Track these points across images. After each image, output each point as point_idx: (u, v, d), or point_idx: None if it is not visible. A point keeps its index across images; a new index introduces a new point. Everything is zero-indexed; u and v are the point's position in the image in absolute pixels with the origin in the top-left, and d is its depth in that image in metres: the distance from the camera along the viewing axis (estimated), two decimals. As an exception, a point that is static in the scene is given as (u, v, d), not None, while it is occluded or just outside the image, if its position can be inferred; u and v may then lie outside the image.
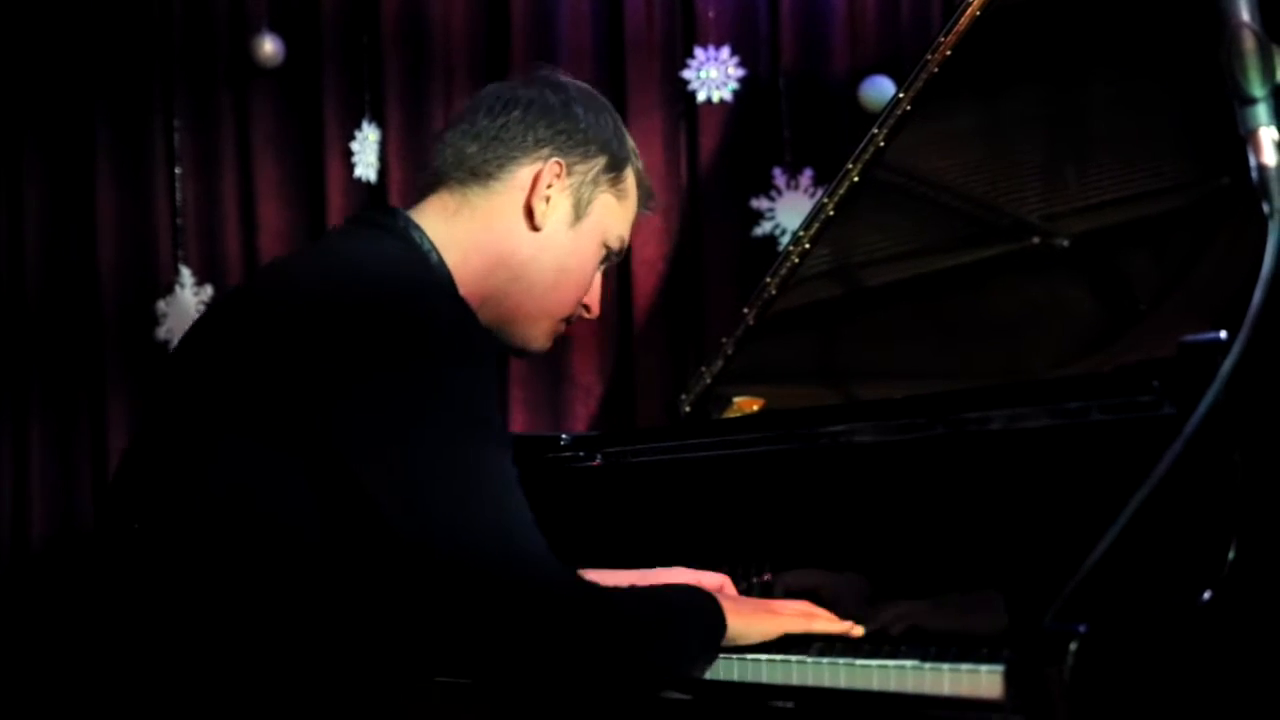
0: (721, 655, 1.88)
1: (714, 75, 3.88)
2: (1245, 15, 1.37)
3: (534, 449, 2.60)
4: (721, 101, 3.89)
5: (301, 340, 1.75)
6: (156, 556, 1.78)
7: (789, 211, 3.82)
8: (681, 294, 3.90)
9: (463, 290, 1.92)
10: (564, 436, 2.59)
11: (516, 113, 2.00)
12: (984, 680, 1.57)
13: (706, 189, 3.91)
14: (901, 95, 2.41)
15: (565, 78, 2.10)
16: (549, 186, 1.99)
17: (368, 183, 3.92)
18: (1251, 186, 1.37)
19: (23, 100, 4.06)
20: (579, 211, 2.02)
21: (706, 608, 1.85)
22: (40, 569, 3.99)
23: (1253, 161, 1.34)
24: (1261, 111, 1.35)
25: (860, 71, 3.84)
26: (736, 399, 2.67)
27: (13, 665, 3.59)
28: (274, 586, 1.75)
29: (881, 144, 2.44)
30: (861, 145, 2.47)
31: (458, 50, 3.96)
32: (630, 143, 2.09)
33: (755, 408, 2.62)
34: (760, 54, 3.91)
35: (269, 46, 3.95)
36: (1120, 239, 2.50)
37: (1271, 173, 1.33)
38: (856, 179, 2.49)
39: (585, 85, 2.11)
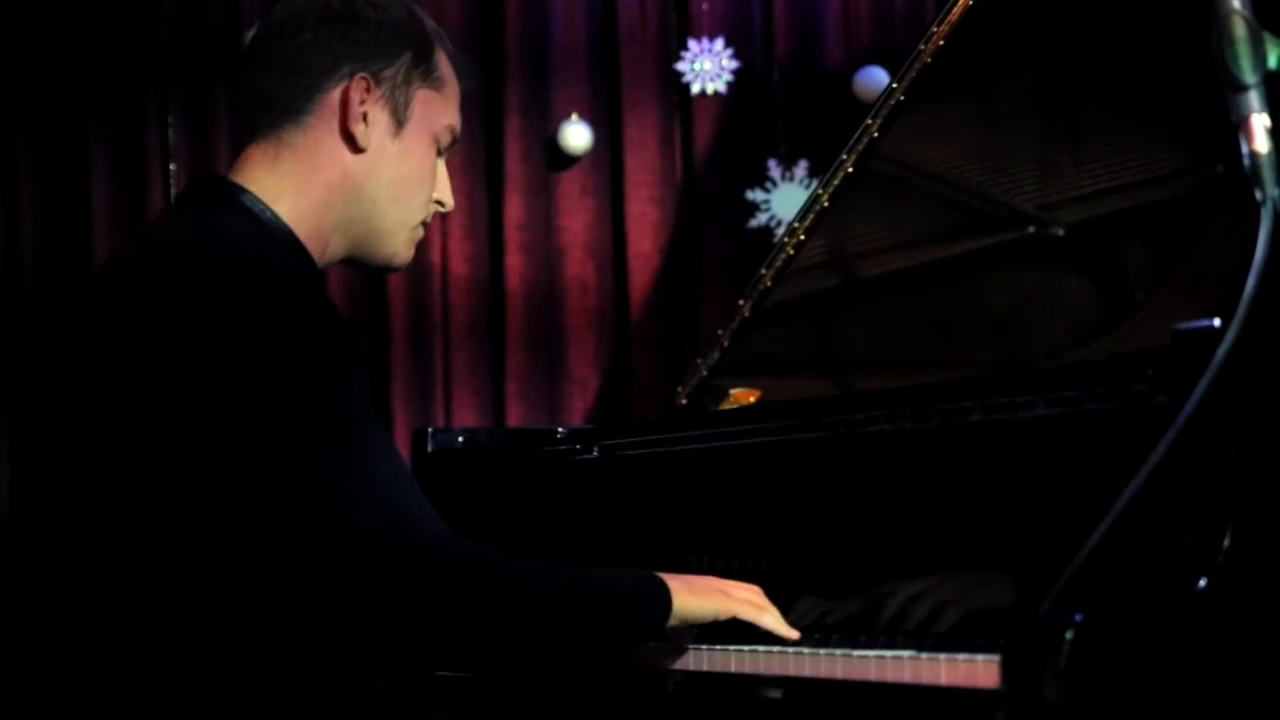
0: (711, 648, 1.88)
1: (708, 67, 3.88)
2: (1236, 2, 1.37)
3: (530, 443, 2.60)
4: (716, 93, 3.89)
5: (158, 351, 1.71)
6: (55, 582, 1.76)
7: (784, 203, 3.83)
8: (677, 286, 3.90)
9: (305, 233, 1.89)
10: (560, 430, 2.59)
11: (307, 35, 1.90)
12: (980, 669, 1.58)
13: (701, 181, 3.92)
14: (895, 85, 2.40)
15: None
16: (361, 104, 1.90)
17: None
18: (1245, 175, 1.37)
19: (17, 97, 4.05)
20: (400, 118, 1.94)
21: (647, 583, 1.84)
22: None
23: (1244, 149, 1.34)
24: (1253, 98, 1.35)
25: (854, 62, 3.84)
26: (733, 391, 2.67)
27: None
28: (181, 598, 1.71)
29: (875, 134, 2.44)
30: (855, 136, 2.46)
31: (451, 39, 3.94)
32: (430, 24, 2.00)
33: (752, 399, 2.62)
34: (754, 46, 3.91)
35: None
36: (1115, 228, 2.49)
37: (1263, 160, 1.33)
38: (851, 170, 2.48)
39: None
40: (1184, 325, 1.60)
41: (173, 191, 4.03)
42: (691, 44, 3.88)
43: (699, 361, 2.76)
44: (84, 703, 1.73)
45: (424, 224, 2.01)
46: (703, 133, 3.92)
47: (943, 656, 1.63)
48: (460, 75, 2.03)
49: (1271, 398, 1.58)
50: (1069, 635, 1.40)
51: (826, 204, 2.53)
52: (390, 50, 1.93)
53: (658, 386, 3.75)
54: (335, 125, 1.90)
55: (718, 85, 3.88)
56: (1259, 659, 1.52)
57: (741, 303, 2.67)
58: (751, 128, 3.91)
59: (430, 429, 2.63)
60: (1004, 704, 1.39)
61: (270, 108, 1.91)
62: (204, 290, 1.72)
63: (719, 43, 3.88)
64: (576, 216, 3.95)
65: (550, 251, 3.94)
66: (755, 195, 3.88)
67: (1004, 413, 1.84)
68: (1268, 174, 1.33)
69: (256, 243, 1.85)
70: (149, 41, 4.05)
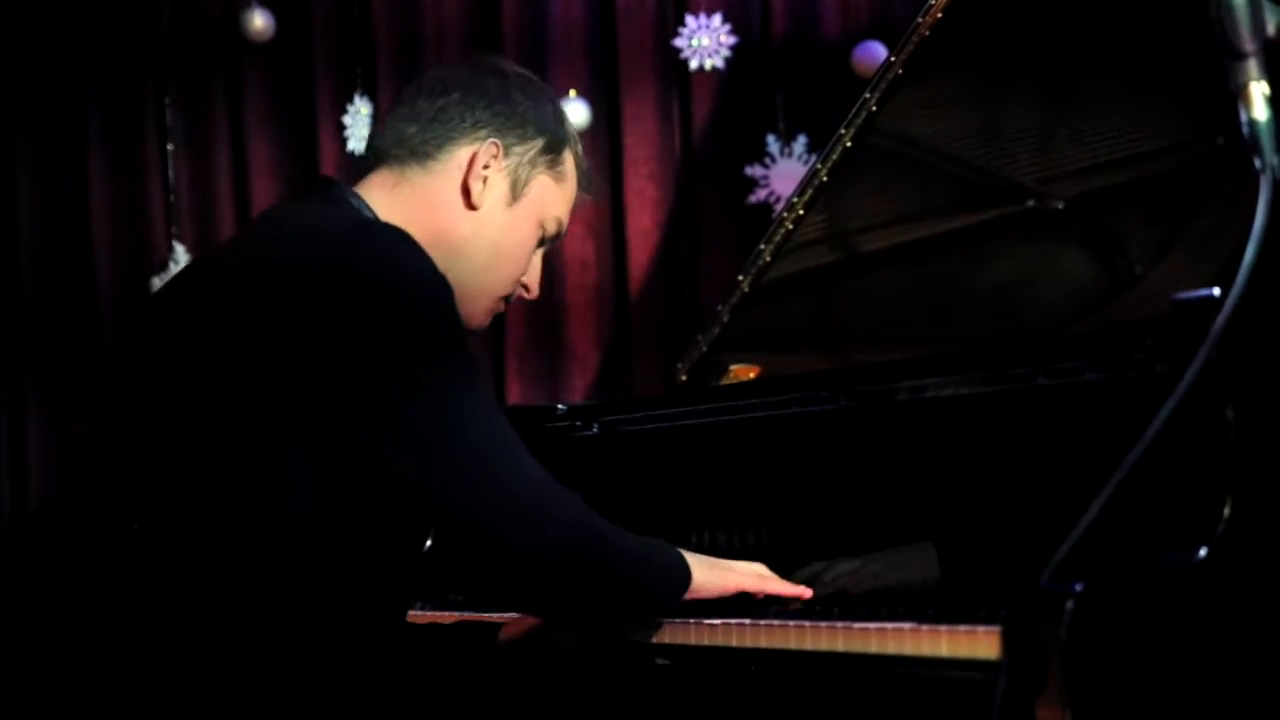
0: (712, 622, 1.89)
1: (706, 43, 3.87)
2: (1234, -30, 1.37)
3: (531, 419, 2.60)
4: (714, 69, 3.88)
5: (281, 313, 1.77)
6: (152, 545, 1.79)
7: (783, 178, 3.82)
8: (676, 263, 3.90)
9: None
10: (561, 406, 2.59)
11: (456, 95, 2.03)
12: (982, 640, 1.58)
13: (700, 157, 3.91)
14: (893, 59, 2.40)
15: (507, 63, 2.15)
16: (486, 166, 2.02)
17: (360, 156, 3.91)
18: (1244, 143, 1.37)
19: (13, 82, 4.05)
20: (516, 192, 2.05)
21: (675, 556, 1.92)
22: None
23: (1243, 116, 1.34)
24: (1252, 66, 1.34)
25: (852, 37, 3.84)
26: (733, 366, 2.67)
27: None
28: (274, 562, 1.77)
29: (874, 109, 2.43)
30: (854, 110, 2.46)
31: (449, 20, 3.95)
32: (570, 127, 2.13)
33: (752, 375, 2.62)
34: (752, 21, 3.90)
35: (259, 21, 3.94)
36: (1115, 200, 2.49)
37: (1262, 127, 1.33)
38: (849, 144, 2.48)
39: (526, 71, 2.14)
40: (1183, 295, 1.61)
41: (171, 173, 4.03)
42: (689, 20, 3.88)
43: (699, 337, 2.76)
44: (204, 684, 1.76)
45: (506, 300, 2.11)
46: (701, 109, 3.91)
47: (944, 627, 1.63)
48: (581, 179, 2.15)
49: (1271, 366, 1.59)
50: (1069, 605, 1.40)
51: (825, 179, 2.52)
52: (526, 130, 2.05)
53: (658, 362, 3.75)
54: (458, 179, 2.02)
55: (716, 61, 3.87)
56: (1258, 628, 1.52)
57: (741, 278, 2.67)
58: (750, 103, 3.90)
59: (431, 407, 2.63)
60: (1004, 673, 1.40)
61: (402, 145, 2.03)
62: (325, 261, 1.79)
63: (717, 18, 3.87)
64: (575, 194, 3.95)
65: (549, 228, 3.94)
66: (754, 171, 3.87)
67: (1005, 383, 1.84)
68: (1267, 141, 1.33)
69: (358, 219, 1.93)
70: (146, 26, 4.04)
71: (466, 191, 2.01)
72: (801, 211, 2.57)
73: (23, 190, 4.06)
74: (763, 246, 2.63)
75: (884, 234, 2.70)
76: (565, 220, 2.13)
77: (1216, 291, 1.56)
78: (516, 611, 2.08)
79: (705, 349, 2.73)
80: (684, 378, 2.78)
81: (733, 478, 2.18)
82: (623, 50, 3.92)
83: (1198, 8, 1.46)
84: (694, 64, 3.88)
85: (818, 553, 2.03)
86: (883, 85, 2.42)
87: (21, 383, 4.07)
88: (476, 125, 2.02)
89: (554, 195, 2.09)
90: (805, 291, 2.75)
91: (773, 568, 2.00)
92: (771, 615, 1.88)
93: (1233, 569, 1.52)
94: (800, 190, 2.57)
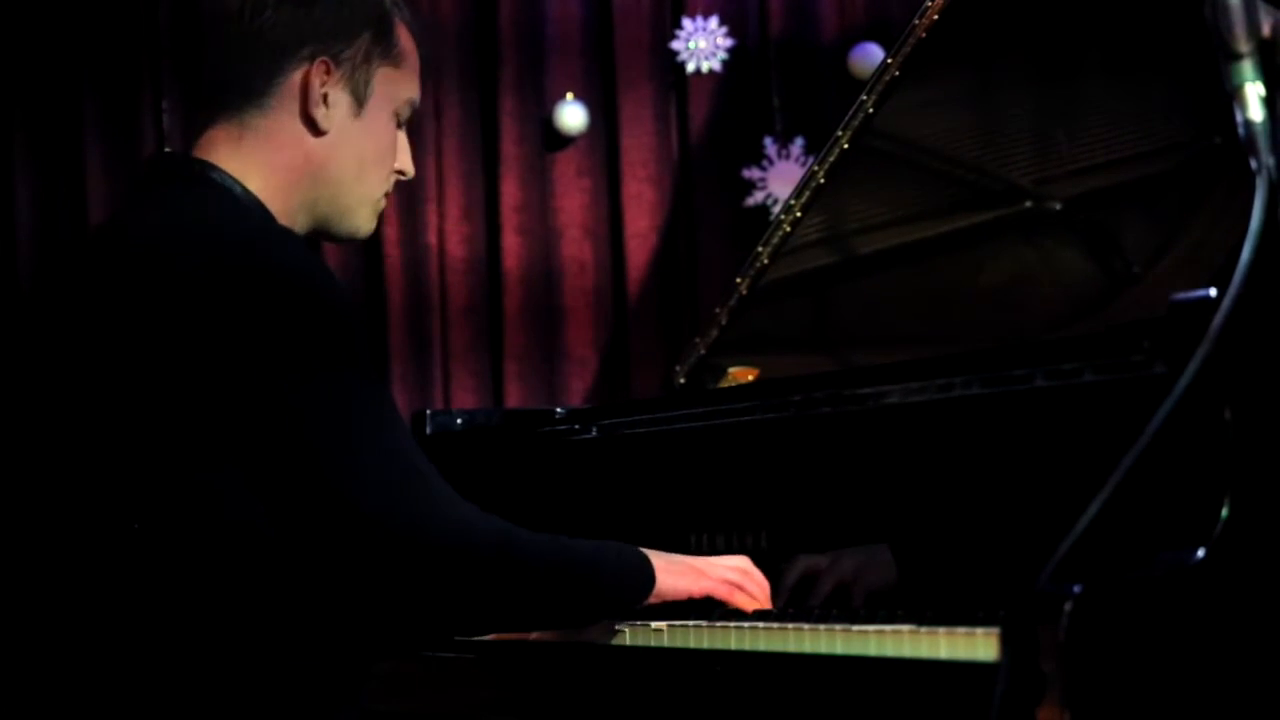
0: (711, 625, 1.89)
1: (703, 46, 3.87)
2: (1229, -30, 1.37)
3: (529, 423, 2.60)
4: (711, 72, 3.88)
5: (181, 324, 1.72)
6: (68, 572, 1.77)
7: (780, 181, 3.82)
8: (674, 265, 3.90)
9: (274, 210, 1.90)
10: (559, 410, 2.59)
11: (268, 14, 1.89)
12: (980, 642, 1.58)
13: (697, 160, 3.91)
14: (890, 61, 2.40)
15: None
16: (321, 87, 1.90)
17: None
18: (1240, 144, 1.37)
19: (11, 83, 4.04)
20: (360, 98, 1.94)
21: (634, 559, 1.89)
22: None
23: (1239, 117, 1.34)
24: (1247, 67, 1.34)
25: (849, 39, 3.84)
26: (731, 369, 2.67)
27: None
28: (221, 569, 1.73)
29: (870, 110, 2.43)
30: (850, 112, 2.46)
31: (445, 23, 3.94)
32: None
33: (750, 377, 2.62)
34: (749, 23, 3.90)
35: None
36: (1113, 201, 2.49)
37: (1258, 128, 1.33)
38: (846, 146, 2.48)
39: None
40: (1180, 296, 1.61)
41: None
42: (686, 22, 3.88)
43: (697, 340, 2.76)
44: (99, 686, 1.74)
45: (386, 194, 2.03)
46: (698, 111, 3.91)
47: (942, 630, 1.63)
48: (419, 43, 2.02)
49: (1268, 366, 1.58)
50: (1068, 606, 1.40)
51: (822, 181, 2.52)
52: (350, 29, 1.92)
53: (656, 365, 3.75)
54: (296, 109, 1.91)
55: (713, 64, 3.87)
56: (1257, 628, 1.52)
57: (739, 281, 2.67)
58: (747, 106, 3.90)
59: (429, 411, 2.64)
60: (1003, 675, 1.40)
61: (231, 89, 1.91)
62: (219, 265, 1.74)
63: (713, 21, 3.87)
64: (573, 197, 3.95)
65: (547, 232, 3.94)
66: (751, 173, 3.87)
67: (1003, 385, 1.84)
68: (1262, 142, 1.32)
69: (241, 216, 1.86)
70: (142, 24, 4.03)
71: (310, 120, 1.90)
72: (799, 214, 2.57)
73: (20, 192, 4.05)
74: (760, 249, 2.63)
75: (882, 236, 2.70)
76: (417, 96, 2.02)
77: (1213, 292, 1.56)
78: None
79: (703, 352, 2.73)
80: (682, 380, 2.78)
81: (731, 480, 2.18)
82: (620, 53, 3.92)
83: (1193, 8, 1.45)
84: (691, 66, 3.88)
85: (818, 555, 2.03)
86: (879, 87, 2.42)
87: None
88: (299, 44, 1.89)
89: (398, 81, 1.98)
90: (803, 294, 2.75)
91: (770, 570, 2.00)
92: (772, 617, 1.88)
93: (1231, 569, 1.51)
94: (797, 192, 2.57)
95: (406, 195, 3.88)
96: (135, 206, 1.92)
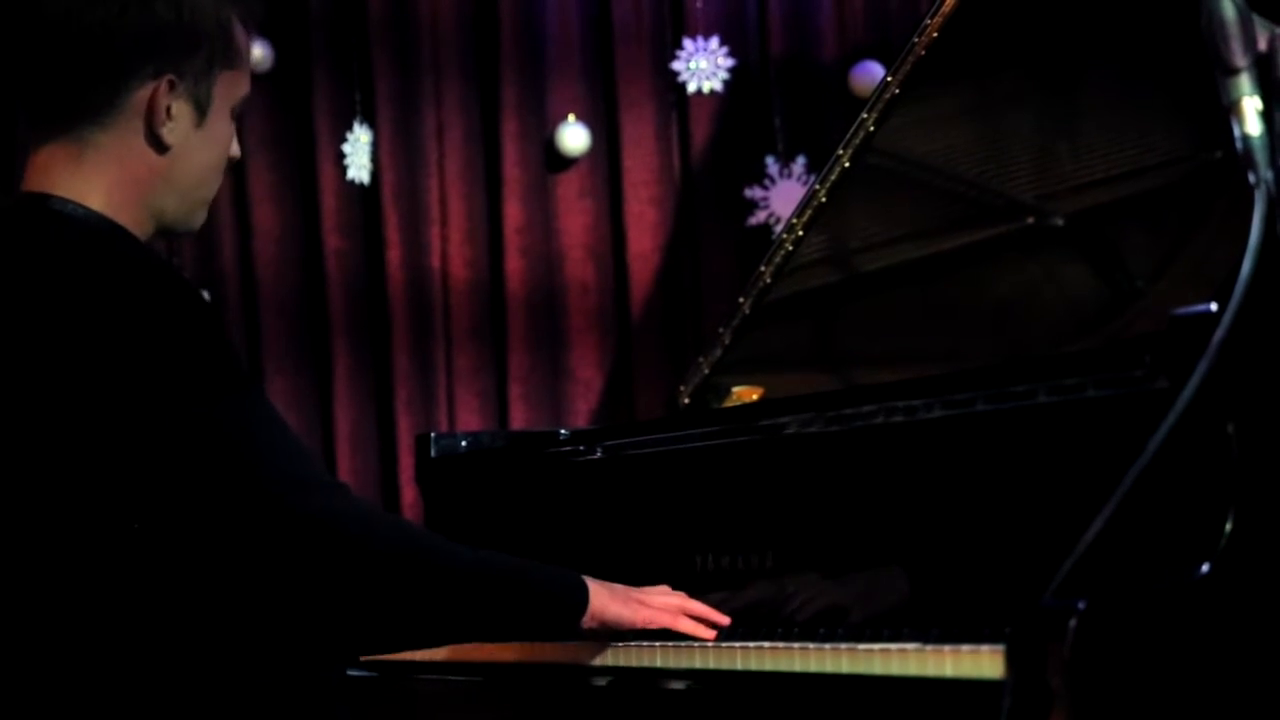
0: (717, 645, 1.89)
1: (704, 66, 3.88)
2: (1225, -15, 1.37)
3: (534, 445, 2.60)
4: (712, 92, 3.89)
5: (47, 360, 1.73)
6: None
7: (783, 200, 3.82)
8: (677, 285, 3.90)
9: (120, 223, 1.87)
10: (563, 431, 2.59)
11: (98, 30, 1.83)
12: (986, 660, 1.58)
13: (700, 180, 3.91)
14: (890, 79, 2.40)
15: None
16: (167, 106, 1.86)
17: (361, 185, 3.91)
18: (1238, 158, 1.37)
19: (10, 107, 4.03)
20: (204, 109, 1.89)
21: (564, 580, 1.90)
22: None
23: (1236, 132, 1.34)
24: (1244, 82, 1.35)
25: (849, 57, 3.84)
26: (735, 389, 2.67)
27: None
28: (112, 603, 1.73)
29: (871, 128, 2.44)
30: (852, 130, 2.46)
31: (446, 45, 3.95)
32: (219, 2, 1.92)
33: (754, 397, 2.62)
34: (749, 43, 3.91)
35: (258, 53, 3.94)
36: (1115, 216, 2.49)
37: (1255, 142, 1.33)
38: (848, 164, 2.48)
39: None
40: (1181, 310, 1.61)
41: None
42: (686, 43, 3.88)
43: (700, 360, 2.76)
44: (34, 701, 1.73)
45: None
46: (700, 131, 3.91)
47: (948, 648, 1.63)
48: (249, 33, 1.97)
49: (1270, 380, 1.58)
50: (1073, 623, 1.40)
51: (824, 199, 2.53)
52: (193, 43, 1.87)
53: (660, 386, 3.75)
54: (140, 126, 1.86)
55: (714, 83, 3.88)
56: (1262, 644, 1.52)
57: (742, 300, 2.68)
58: (748, 125, 3.91)
59: (433, 434, 2.63)
60: (1009, 693, 1.39)
61: (69, 108, 1.87)
62: (69, 312, 1.73)
63: (714, 41, 3.88)
64: (575, 218, 3.95)
65: (550, 253, 3.94)
66: (754, 193, 3.88)
67: (1005, 402, 1.84)
68: (1260, 156, 1.33)
69: (82, 242, 1.83)
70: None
71: (155, 136, 1.86)
72: (801, 232, 2.57)
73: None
74: (763, 268, 2.63)
75: (884, 253, 2.70)
76: (249, 87, 1.97)
77: (1214, 306, 1.56)
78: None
79: (707, 372, 2.73)
80: (686, 401, 2.78)
81: (736, 500, 2.17)
82: (621, 74, 3.93)
83: (1191, 23, 1.46)
84: (692, 87, 3.88)
85: (821, 573, 2.03)
86: (880, 105, 2.42)
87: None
88: (142, 60, 1.84)
89: (236, 80, 1.94)
90: (806, 312, 2.75)
91: (776, 589, 2.00)
92: (777, 637, 1.88)
93: (1235, 584, 1.51)
94: (799, 211, 2.57)
95: (409, 217, 3.88)
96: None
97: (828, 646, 1.77)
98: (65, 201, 1.85)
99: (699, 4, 3.90)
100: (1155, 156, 2.43)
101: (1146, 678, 1.45)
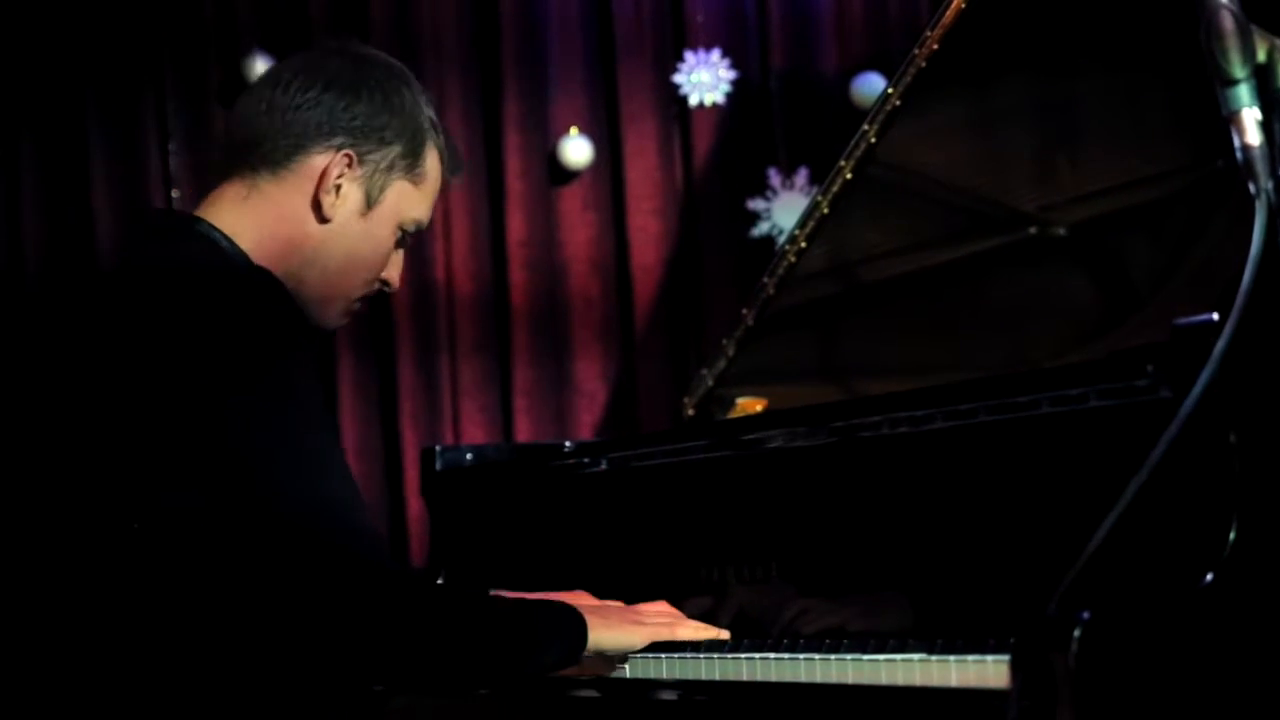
0: (722, 656, 1.89)
1: (705, 78, 3.89)
2: (1224, -3, 1.37)
3: (539, 457, 2.60)
4: (714, 104, 3.90)
5: (142, 360, 1.76)
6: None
7: (785, 211, 3.83)
8: (681, 297, 3.91)
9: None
10: (568, 444, 2.59)
11: (311, 94, 1.97)
12: (991, 670, 1.58)
13: (702, 192, 3.92)
14: (890, 90, 2.41)
15: (371, 52, 2.06)
16: (339, 178, 1.97)
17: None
18: (1238, 168, 1.37)
19: (16, 90, 4.04)
20: (370, 200, 1.99)
21: (564, 617, 1.91)
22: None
23: (1237, 142, 1.35)
24: (1244, 92, 1.35)
25: (851, 69, 3.85)
26: (739, 400, 2.67)
27: None
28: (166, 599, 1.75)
29: (873, 140, 2.44)
30: (853, 142, 2.47)
31: (448, 60, 3.96)
32: (428, 115, 2.04)
33: (758, 408, 2.62)
34: (750, 56, 3.92)
35: (260, 67, 3.96)
36: (1117, 226, 2.50)
37: (1255, 153, 1.33)
38: (849, 176, 2.49)
39: (392, 61, 2.06)
40: (1183, 320, 1.61)
41: (174, 194, 4.02)
42: (688, 56, 3.89)
43: (704, 371, 2.77)
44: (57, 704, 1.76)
45: (363, 299, 2.07)
46: (702, 144, 3.92)
47: (953, 658, 1.63)
48: (446, 169, 2.08)
49: (1272, 389, 1.59)
50: (1078, 633, 1.40)
51: (826, 211, 2.53)
52: (384, 137, 1.99)
53: (664, 398, 3.75)
54: (309, 189, 1.97)
55: (715, 96, 3.89)
56: (1266, 652, 1.52)
57: (745, 312, 2.68)
58: (750, 137, 3.92)
59: (438, 447, 2.64)
60: (1014, 703, 1.40)
61: (253, 150, 1.97)
62: (185, 310, 1.78)
63: (715, 54, 3.89)
64: (579, 231, 3.96)
65: (554, 266, 3.95)
66: (756, 204, 3.89)
67: (1008, 412, 1.84)
68: (1260, 167, 1.33)
69: (231, 266, 1.91)
70: (144, 28, 4.04)
71: (318, 204, 1.96)
72: (804, 244, 2.57)
73: (26, 196, 4.04)
74: (766, 279, 2.63)
75: (887, 264, 2.70)
76: (426, 218, 2.07)
77: (1215, 316, 1.56)
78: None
79: (711, 383, 2.74)
80: (690, 412, 2.78)
81: (741, 512, 2.18)
82: (623, 87, 3.94)
83: (1190, 32, 1.46)
84: (694, 99, 3.89)
85: (827, 585, 2.03)
86: (881, 116, 2.42)
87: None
88: (331, 132, 1.96)
89: (412, 199, 2.03)
90: (810, 323, 2.76)
91: (781, 600, 2.01)
92: (783, 647, 1.88)
93: (1239, 592, 1.51)
94: (802, 223, 2.58)
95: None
96: (124, 257, 2.00)
97: (833, 657, 1.78)
98: (213, 228, 1.94)
99: (700, 17, 3.91)
100: (1156, 167, 2.44)
101: (1150, 687, 1.45)
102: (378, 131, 1.98)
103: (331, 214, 1.97)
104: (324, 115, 1.96)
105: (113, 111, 4.05)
